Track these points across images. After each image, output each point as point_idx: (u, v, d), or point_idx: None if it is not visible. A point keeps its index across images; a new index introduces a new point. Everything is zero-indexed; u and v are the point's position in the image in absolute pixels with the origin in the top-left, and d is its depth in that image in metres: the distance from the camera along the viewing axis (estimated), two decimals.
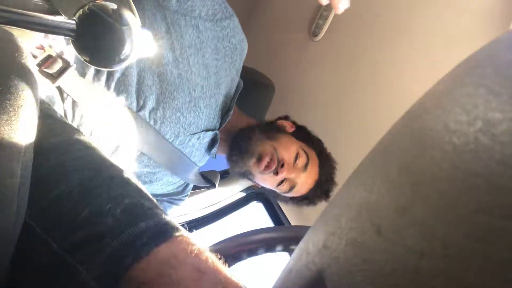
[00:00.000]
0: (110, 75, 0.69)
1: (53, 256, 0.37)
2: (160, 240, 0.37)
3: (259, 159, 0.90)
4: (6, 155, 0.34)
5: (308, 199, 1.00)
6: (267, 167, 0.89)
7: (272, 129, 0.95)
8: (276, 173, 0.90)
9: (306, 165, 0.93)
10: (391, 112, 0.97)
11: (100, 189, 0.42)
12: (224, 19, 0.75)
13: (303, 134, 0.99)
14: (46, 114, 0.57)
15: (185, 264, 0.35)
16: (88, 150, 0.49)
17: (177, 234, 0.38)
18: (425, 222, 0.13)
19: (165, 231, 0.38)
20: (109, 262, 0.36)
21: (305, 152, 0.94)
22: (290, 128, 0.99)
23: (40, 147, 0.47)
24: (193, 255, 0.37)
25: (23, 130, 0.37)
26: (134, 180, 0.46)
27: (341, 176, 1.06)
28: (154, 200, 0.44)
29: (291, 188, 0.95)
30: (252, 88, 1.10)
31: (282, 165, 0.90)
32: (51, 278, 0.37)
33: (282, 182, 0.94)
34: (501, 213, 0.11)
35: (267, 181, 0.95)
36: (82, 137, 0.51)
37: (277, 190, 0.98)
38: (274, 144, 0.91)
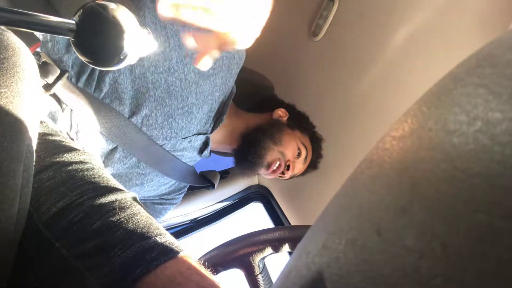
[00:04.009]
0: (101, 81, 0.69)
1: (61, 261, 0.38)
2: (168, 257, 0.39)
3: (268, 166, 0.97)
4: (8, 156, 0.34)
5: (301, 175, 1.10)
6: (275, 171, 0.98)
7: (274, 129, 0.97)
8: (283, 173, 1.00)
9: (306, 158, 1.03)
10: (391, 111, 0.97)
11: (112, 205, 0.43)
12: None
13: (296, 120, 1.05)
14: (53, 131, 0.58)
15: (190, 281, 0.37)
16: (96, 169, 0.51)
17: (183, 253, 0.40)
18: (425, 222, 0.13)
19: (172, 249, 0.40)
20: (118, 272, 0.37)
21: (304, 145, 1.02)
22: (284, 116, 1.03)
23: (51, 161, 0.48)
24: (196, 273, 0.39)
25: (24, 132, 0.37)
26: (140, 203, 0.48)
27: (342, 174, 1.06)
28: (160, 225, 0.46)
29: (291, 177, 1.06)
30: (251, 90, 1.10)
31: (288, 167, 0.99)
32: (58, 282, 0.38)
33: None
34: (500, 213, 0.11)
35: (272, 176, 1.04)
36: (90, 157, 0.54)
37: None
38: (280, 149, 0.97)
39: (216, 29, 0.43)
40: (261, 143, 0.94)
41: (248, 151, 0.95)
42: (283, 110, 1.03)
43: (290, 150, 0.98)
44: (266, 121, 0.99)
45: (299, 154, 1.00)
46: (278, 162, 0.96)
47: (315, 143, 1.08)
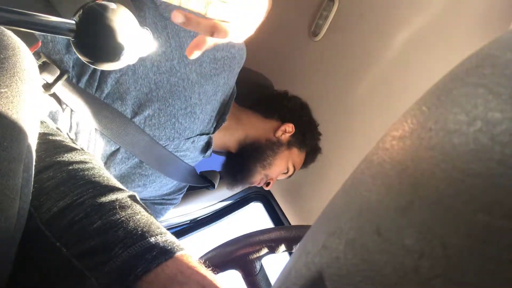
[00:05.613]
0: (103, 82, 0.69)
1: (62, 261, 0.38)
2: (168, 256, 0.39)
3: (250, 184, 1.04)
4: (8, 156, 0.34)
5: None
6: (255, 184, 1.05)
7: (268, 152, 0.99)
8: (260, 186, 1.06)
9: (291, 175, 1.06)
10: (391, 111, 0.97)
11: (113, 205, 0.43)
12: None
13: (300, 135, 1.03)
14: (53, 131, 0.58)
15: (191, 280, 0.37)
16: (97, 169, 0.51)
17: (183, 252, 0.40)
18: (425, 222, 0.13)
19: (173, 248, 0.40)
20: (118, 272, 0.37)
21: (294, 165, 1.04)
22: (290, 133, 1.01)
23: (51, 160, 0.49)
24: (197, 272, 0.39)
25: (24, 132, 0.37)
26: (140, 203, 0.48)
27: (342, 174, 1.06)
28: (160, 224, 0.46)
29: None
30: (251, 89, 1.10)
31: (268, 183, 1.04)
32: (59, 281, 0.38)
33: None
34: (501, 213, 0.11)
35: None
36: (90, 156, 0.54)
37: None
38: (267, 172, 1.01)
39: (211, 16, 0.43)
40: (250, 169, 0.98)
41: (236, 170, 1.00)
42: (291, 125, 1.01)
43: (277, 172, 1.02)
44: (266, 138, 0.99)
45: (285, 173, 1.05)
46: (259, 182, 1.03)
47: (309, 157, 1.09)
